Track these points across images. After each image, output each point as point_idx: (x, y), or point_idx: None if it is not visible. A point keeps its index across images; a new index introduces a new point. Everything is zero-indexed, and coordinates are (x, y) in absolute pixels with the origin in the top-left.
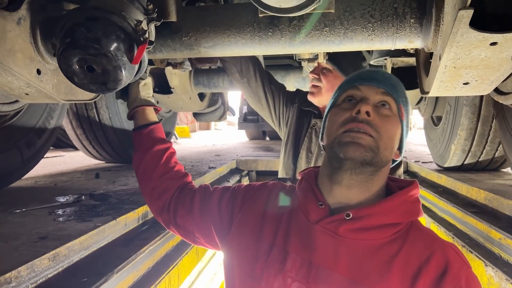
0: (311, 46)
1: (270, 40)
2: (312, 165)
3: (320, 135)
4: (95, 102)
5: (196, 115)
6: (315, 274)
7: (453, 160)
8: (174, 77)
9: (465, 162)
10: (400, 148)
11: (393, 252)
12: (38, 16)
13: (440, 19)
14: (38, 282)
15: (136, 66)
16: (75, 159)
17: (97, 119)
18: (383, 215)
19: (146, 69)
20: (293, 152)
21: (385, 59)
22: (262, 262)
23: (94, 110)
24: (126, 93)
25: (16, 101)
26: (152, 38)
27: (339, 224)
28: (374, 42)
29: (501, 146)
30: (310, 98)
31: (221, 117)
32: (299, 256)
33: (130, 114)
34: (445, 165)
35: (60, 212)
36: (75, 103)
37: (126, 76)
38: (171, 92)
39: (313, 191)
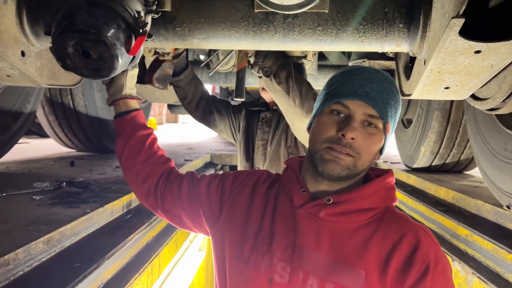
0: (304, 44)
1: (264, 36)
2: (269, 154)
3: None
4: (70, 88)
5: (171, 106)
6: (298, 254)
7: (422, 161)
8: None
9: (433, 164)
10: (381, 151)
11: (369, 233)
12: None
13: (427, 26)
14: (33, 265)
15: (131, 57)
16: (42, 147)
17: (72, 106)
18: (360, 200)
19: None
20: (249, 147)
21: (363, 61)
22: (250, 244)
23: (69, 96)
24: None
25: None
26: (148, 29)
27: (321, 208)
28: (364, 44)
29: (466, 149)
30: (262, 94)
31: None
32: (284, 238)
33: (110, 102)
34: (414, 166)
35: (42, 197)
36: (49, 88)
37: (121, 66)
38: None
39: (297, 179)
